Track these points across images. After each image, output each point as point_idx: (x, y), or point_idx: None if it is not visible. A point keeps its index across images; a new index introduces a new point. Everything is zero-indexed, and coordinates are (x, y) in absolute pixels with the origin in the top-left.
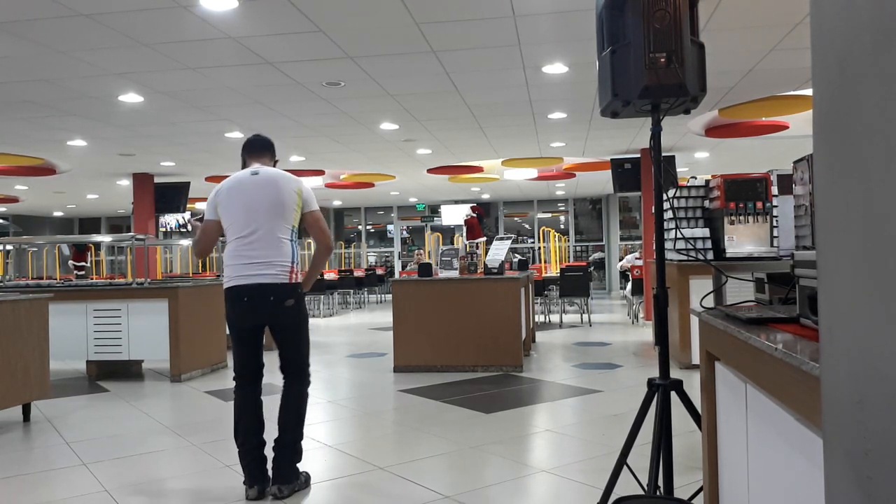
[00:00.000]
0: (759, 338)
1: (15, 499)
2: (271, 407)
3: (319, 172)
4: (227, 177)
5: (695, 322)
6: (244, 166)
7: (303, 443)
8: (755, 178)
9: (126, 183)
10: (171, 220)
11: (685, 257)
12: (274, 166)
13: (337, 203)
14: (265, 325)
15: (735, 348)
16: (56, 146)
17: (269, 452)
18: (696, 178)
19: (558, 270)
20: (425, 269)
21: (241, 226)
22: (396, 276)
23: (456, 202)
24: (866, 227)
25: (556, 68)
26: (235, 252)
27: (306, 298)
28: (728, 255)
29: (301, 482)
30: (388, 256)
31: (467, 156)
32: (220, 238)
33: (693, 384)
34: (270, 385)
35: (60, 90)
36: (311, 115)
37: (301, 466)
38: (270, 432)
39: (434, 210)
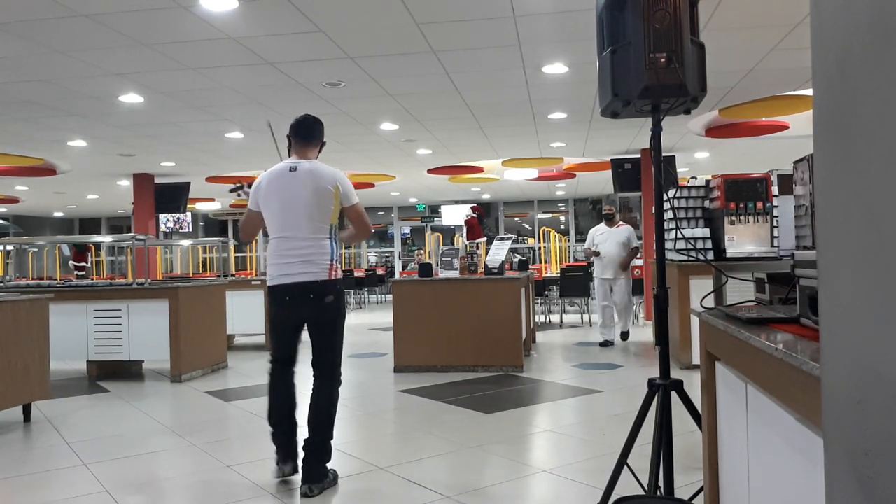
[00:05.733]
0: (759, 338)
1: (15, 499)
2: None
3: None
4: (228, 177)
5: (695, 322)
6: (289, 147)
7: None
8: (755, 178)
9: (126, 183)
10: (166, 220)
11: (685, 257)
12: (321, 149)
13: None
14: (304, 322)
15: (735, 348)
16: (56, 146)
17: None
18: (696, 178)
19: (558, 271)
20: (426, 270)
21: (279, 225)
22: (397, 276)
23: (456, 202)
24: (867, 227)
25: (556, 68)
26: (276, 251)
27: None
28: (728, 256)
29: (330, 480)
30: (388, 256)
31: (467, 156)
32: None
33: (693, 384)
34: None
35: (60, 90)
36: None
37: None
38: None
39: (434, 210)
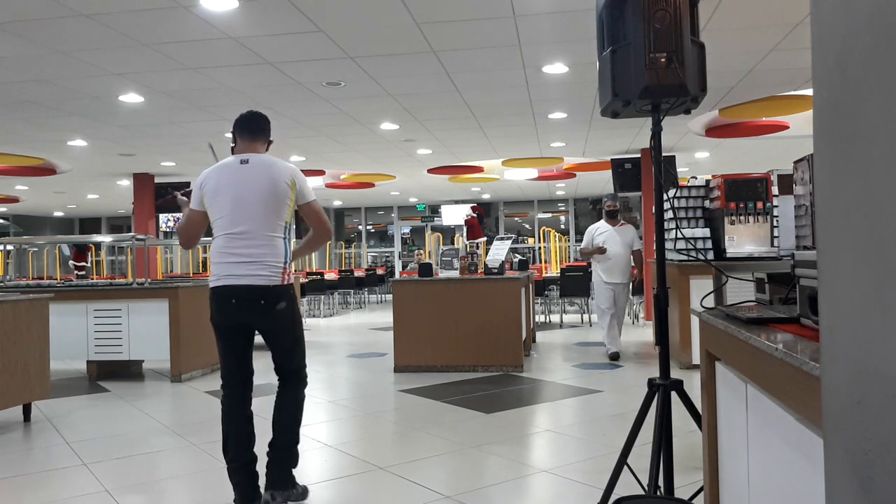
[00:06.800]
0: (759, 338)
1: (15, 498)
2: (267, 408)
3: (319, 172)
4: None
5: (695, 322)
6: (234, 143)
7: (300, 446)
8: (755, 178)
9: (126, 183)
10: (165, 220)
11: (685, 257)
12: (268, 148)
13: (337, 203)
14: (255, 328)
15: (735, 348)
16: (56, 146)
17: (261, 466)
18: (696, 178)
19: (558, 270)
20: (426, 269)
21: (229, 221)
22: (397, 276)
23: (456, 202)
24: (867, 227)
25: (556, 68)
26: (224, 249)
27: (305, 298)
28: (728, 255)
29: (298, 492)
30: (388, 256)
31: (467, 156)
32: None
33: (693, 384)
34: (268, 385)
35: (60, 90)
36: (311, 115)
37: (301, 469)
38: (264, 439)
39: (434, 210)
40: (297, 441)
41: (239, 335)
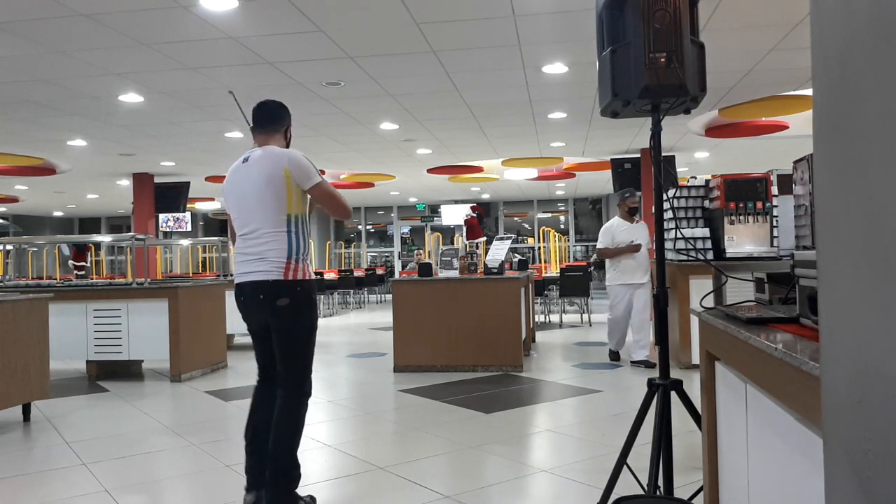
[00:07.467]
0: (759, 338)
1: (15, 498)
2: None
3: (320, 172)
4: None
5: (695, 322)
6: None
7: (300, 452)
8: (755, 178)
9: (126, 183)
10: (165, 220)
11: (685, 257)
12: (286, 135)
13: None
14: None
15: (735, 348)
16: (56, 146)
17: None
18: (696, 178)
19: (558, 270)
20: (425, 269)
21: (240, 222)
22: (396, 275)
23: (456, 202)
24: (866, 226)
25: (556, 68)
26: (238, 249)
27: None
28: (728, 255)
29: None
30: (388, 256)
31: (467, 156)
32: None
33: (693, 384)
34: None
35: (60, 90)
36: (311, 115)
37: (302, 470)
38: None
39: (434, 210)
40: (296, 463)
41: (260, 337)
